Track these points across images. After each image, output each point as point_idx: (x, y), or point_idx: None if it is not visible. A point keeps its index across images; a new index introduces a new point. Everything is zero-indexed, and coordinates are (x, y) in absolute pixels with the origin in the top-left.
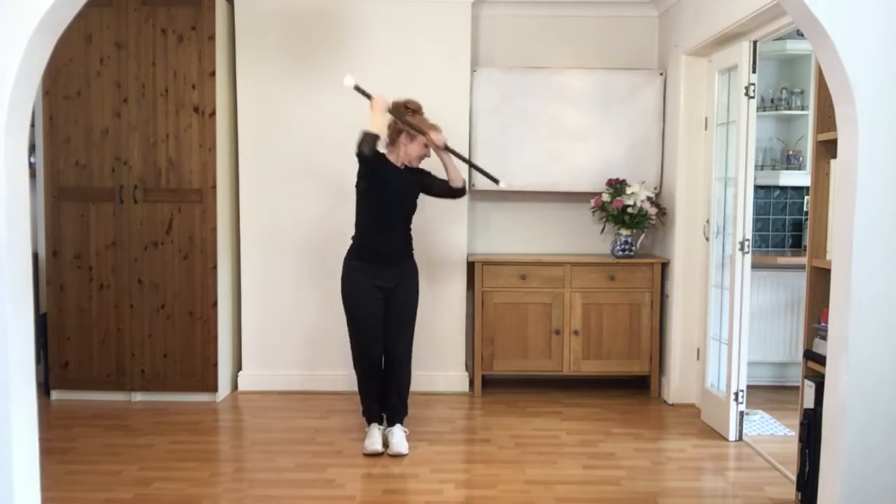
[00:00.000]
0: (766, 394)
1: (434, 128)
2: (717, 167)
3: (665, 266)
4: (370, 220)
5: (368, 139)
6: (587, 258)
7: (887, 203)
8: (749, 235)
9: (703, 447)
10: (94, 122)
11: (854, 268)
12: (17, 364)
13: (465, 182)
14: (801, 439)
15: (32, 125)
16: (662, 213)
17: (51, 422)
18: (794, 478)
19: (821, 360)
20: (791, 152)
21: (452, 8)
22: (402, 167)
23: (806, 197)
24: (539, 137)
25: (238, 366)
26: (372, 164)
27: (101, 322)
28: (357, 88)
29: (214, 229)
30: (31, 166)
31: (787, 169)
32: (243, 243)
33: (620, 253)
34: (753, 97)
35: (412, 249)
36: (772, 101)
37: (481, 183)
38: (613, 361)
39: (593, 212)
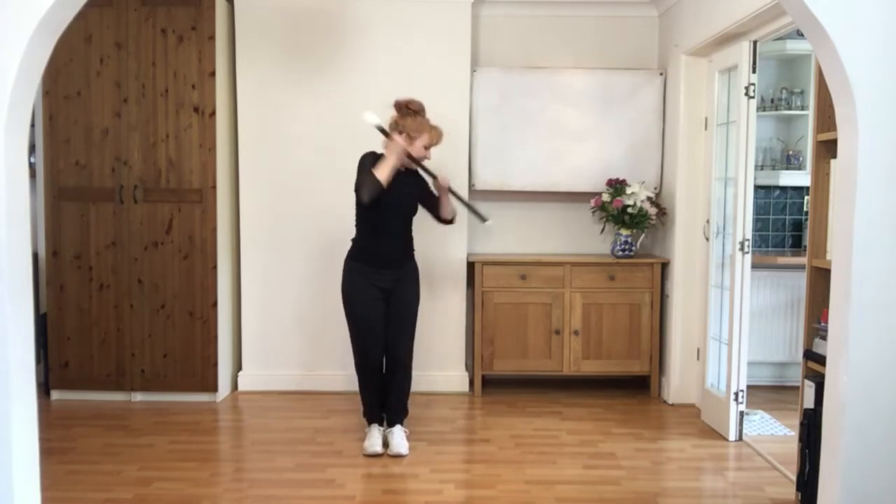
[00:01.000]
0: (766, 394)
1: (435, 130)
2: (717, 167)
3: (665, 266)
4: (370, 223)
5: (372, 187)
6: (587, 258)
7: (887, 203)
8: (749, 235)
9: (703, 447)
10: (94, 122)
11: (854, 268)
12: (17, 364)
13: (454, 216)
14: (801, 439)
15: (32, 125)
16: (662, 213)
17: (51, 422)
18: (794, 478)
19: (821, 360)
20: (791, 152)
21: (452, 8)
22: (403, 170)
23: (806, 197)
24: (539, 137)
25: (238, 366)
26: (370, 204)
27: (101, 322)
28: (379, 128)
29: (214, 229)
30: (31, 166)
31: (787, 169)
32: (243, 243)
33: (620, 253)
34: (753, 97)
35: (413, 251)
36: (772, 101)
37: (481, 183)
38: (613, 361)
39: (593, 212)
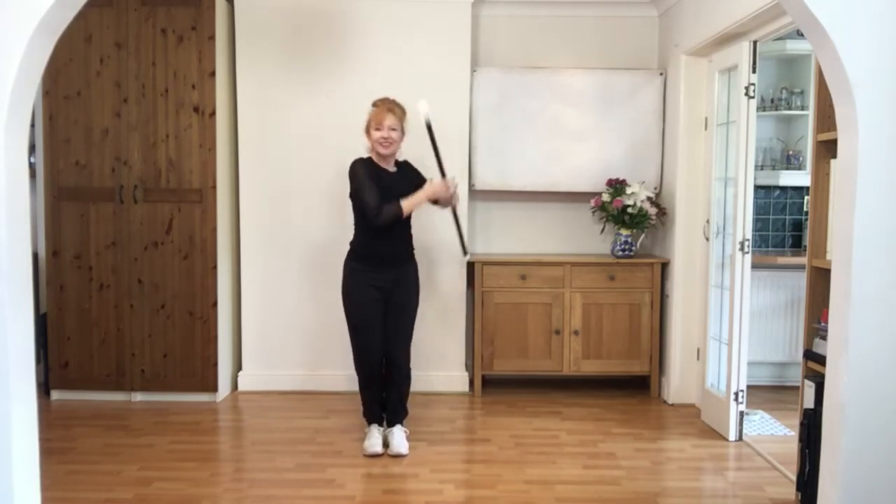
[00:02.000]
0: (766, 394)
1: (376, 108)
2: (717, 167)
3: (665, 266)
4: (367, 224)
5: (392, 217)
6: (587, 258)
7: (887, 203)
8: (749, 235)
9: (703, 447)
10: (94, 122)
11: (854, 268)
12: (17, 364)
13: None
14: (801, 439)
15: (32, 125)
16: (662, 213)
17: (51, 422)
18: (794, 478)
19: (821, 360)
20: (791, 152)
21: (452, 8)
22: (396, 170)
23: (806, 197)
24: (539, 137)
25: (238, 366)
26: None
27: (101, 322)
28: (428, 124)
29: (214, 229)
30: (31, 166)
31: (787, 169)
32: (243, 243)
33: (620, 253)
34: (753, 97)
35: (413, 250)
36: (772, 101)
37: (481, 183)
38: (613, 361)
39: (593, 212)
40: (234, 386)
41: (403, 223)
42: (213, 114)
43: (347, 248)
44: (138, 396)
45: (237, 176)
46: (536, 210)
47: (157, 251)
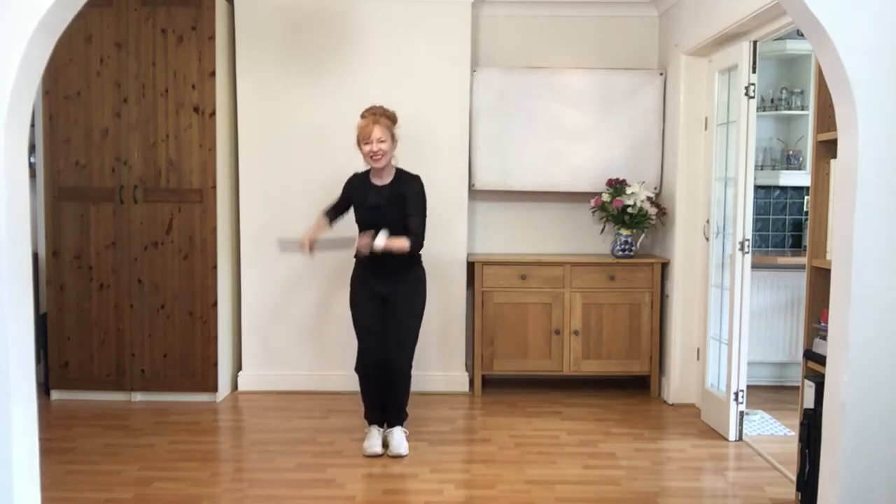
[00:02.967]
0: (766, 394)
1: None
2: (717, 167)
3: (665, 266)
4: (362, 232)
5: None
6: (587, 258)
7: (887, 203)
8: (749, 235)
9: (703, 447)
10: (94, 122)
11: (854, 268)
12: (17, 364)
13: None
14: (801, 439)
15: (32, 125)
16: (662, 213)
17: (51, 422)
18: (794, 478)
19: (821, 360)
20: (791, 152)
21: (452, 8)
22: (390, 181)
23: (806, 197)
24: (539, 137)
25: (238, 366)
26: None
27: (101, 322)
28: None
29: (214, 229)
30: (31, 166)
31: (787, 169)
32: (243, 243)
33: (620, 253)
34: (753, 97)
35: (414, 259)
36: (772, 101)
37: (481, 183)
38: (613, 361)
39: (593, 212)
40: (234, 386)
41: (396, 233)
42: (213, 114)
43: None
44: (138, 396)
45: (237, 176)
46: (536, 210)
47: (157, 251)
